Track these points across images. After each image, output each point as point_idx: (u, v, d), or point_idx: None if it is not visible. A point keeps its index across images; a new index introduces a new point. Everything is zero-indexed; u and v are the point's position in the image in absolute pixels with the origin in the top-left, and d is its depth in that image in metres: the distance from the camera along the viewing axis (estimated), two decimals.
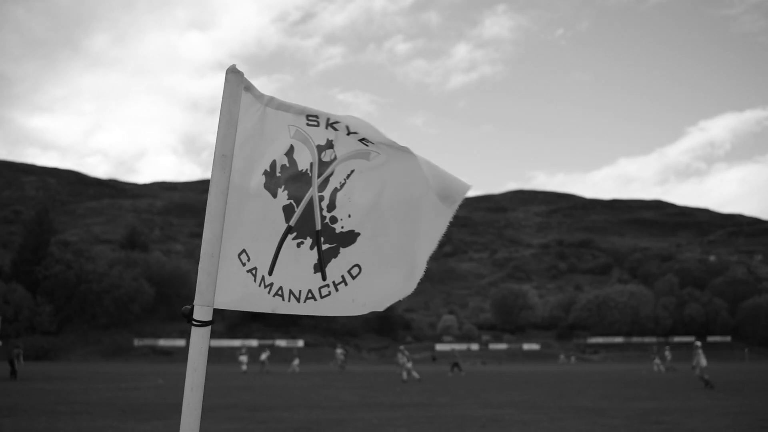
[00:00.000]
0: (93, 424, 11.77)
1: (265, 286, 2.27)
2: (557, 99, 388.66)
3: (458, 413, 14.25)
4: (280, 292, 2.30)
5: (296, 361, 44.51)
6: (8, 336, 56.13)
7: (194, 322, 2.15)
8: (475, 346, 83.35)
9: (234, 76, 2.27)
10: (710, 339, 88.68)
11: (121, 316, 76.05)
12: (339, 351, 50.48)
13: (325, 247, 2.29)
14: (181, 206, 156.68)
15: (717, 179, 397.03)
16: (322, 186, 2.32)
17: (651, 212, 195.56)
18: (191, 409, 2.08)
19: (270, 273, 2.29)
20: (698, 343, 26.74)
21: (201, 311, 2.15)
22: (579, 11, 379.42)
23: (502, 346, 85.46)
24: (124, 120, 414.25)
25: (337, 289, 2.28)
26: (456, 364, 41.40)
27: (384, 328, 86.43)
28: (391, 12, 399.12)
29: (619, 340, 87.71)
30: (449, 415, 13.92)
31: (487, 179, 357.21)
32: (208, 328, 2.16)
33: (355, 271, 2.27)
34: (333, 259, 2.29)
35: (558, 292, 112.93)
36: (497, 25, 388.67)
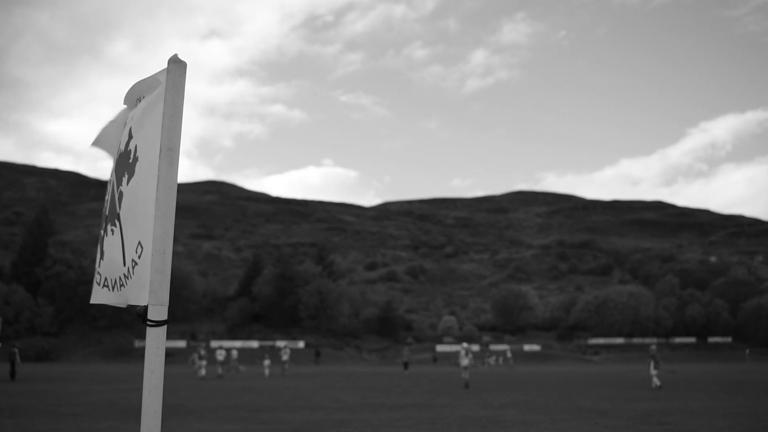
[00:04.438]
0: (94, 425, 11.76)
1: (99, 279, 2.24)
2: (568, 102, 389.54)
3: (459, 414, 14.24)
4: (106, 283, 2.27)
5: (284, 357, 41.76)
6: (8, 338, 56.11)
7: (149, 323, 2.07)
8: (475, 347, 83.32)
9: (176, 66, 2.18)
10: (711, 340, 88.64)
11: (122, 317, 75.90)
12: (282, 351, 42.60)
13: (124, 230, 2.26)
14: (181, 207, 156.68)
15: (719, 180, 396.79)
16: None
17: (652, 213, 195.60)
18: (151, 412, 2.02)
19: (99, 264, 2.28)
20: (464, 345, 26.72)
21: (155, 311, 2.09)
22: (596, 17, 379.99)
23: (503, 347, 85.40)
24: None
25: (133, 272, 2.20)
26: (405, 364, 44.02)
27: (385, 329, 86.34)
28: (410, 19, 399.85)
29: (620, 341, 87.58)
30: (450, 415, 13.90)
31: (495, 181, 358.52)
32: (163, 328, 2.09)
33: (139, 250, 2.20)
34: (126, 242, 2.27)
35: (559, 293, 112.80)
36: (515, 31, 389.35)
